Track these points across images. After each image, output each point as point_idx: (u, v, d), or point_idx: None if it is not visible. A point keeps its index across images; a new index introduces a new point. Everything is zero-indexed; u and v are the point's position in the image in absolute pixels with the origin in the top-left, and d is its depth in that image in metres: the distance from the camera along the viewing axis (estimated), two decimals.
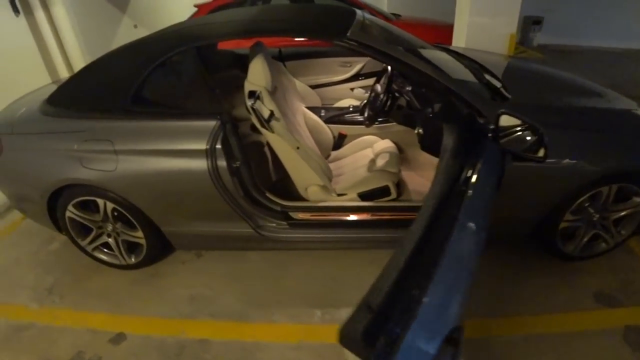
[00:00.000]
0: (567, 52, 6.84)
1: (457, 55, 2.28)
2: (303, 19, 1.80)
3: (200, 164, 1.68)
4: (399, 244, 0.93)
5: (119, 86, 1.78)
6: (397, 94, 1.97)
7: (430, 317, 0.75)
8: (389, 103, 1.92)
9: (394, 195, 2.00)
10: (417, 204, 1.96)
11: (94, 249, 2.10)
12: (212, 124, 1.68)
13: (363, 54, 1.61)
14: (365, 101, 2.50)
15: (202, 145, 1.67)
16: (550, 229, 1.89)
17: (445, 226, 0.97)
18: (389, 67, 1.97)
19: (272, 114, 1.73)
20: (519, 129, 1.50)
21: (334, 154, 2.41)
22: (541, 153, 1.43)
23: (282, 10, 1.89)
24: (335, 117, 2.49)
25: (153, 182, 1.76)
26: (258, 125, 1.78)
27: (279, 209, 1.90)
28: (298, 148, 1.81)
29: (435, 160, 2.39)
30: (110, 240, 2.05)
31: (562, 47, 7.09)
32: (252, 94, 1.72)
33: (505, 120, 1.48)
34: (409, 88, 2.02)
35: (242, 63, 2.93)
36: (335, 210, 1.91)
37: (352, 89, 3.07)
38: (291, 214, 1.91)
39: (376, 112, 2.02)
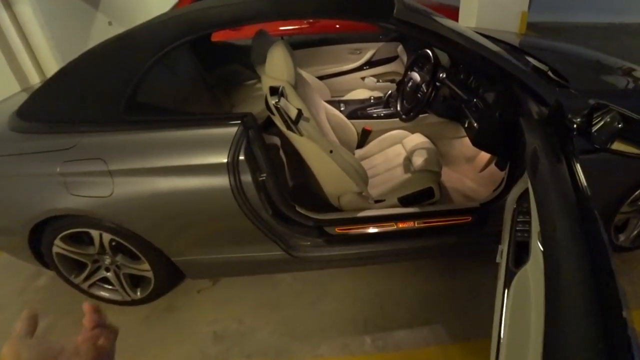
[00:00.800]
0: (557, 30, 6.77)
1: (486, 37, 2.05)
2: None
3: (221, 180, 1.38)
4: (552, 271, 0.72)
5: (109, 90, 1.44)
6: (438, 83, 1.71)
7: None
8: (433, 94, 1.67)
9: (437, 197, 1.77)
10: (464, 207, 1.73)
11: (91, 285, 1.79)
12: (233, 130, 1.38)
13: (408, 36, 1.36)
14: (390, 92, 2.24)
15: (222, 158, 1.37)
16: (606, 221, 1.80)
17: (594, 239, 0.78)
18: (430, 53, 1.71)
19: (300, 113, 1.45)
20: (600, 120, 1.29)
21: (358, 152, 2.14)
22: None
23: None
24: (357, 111, 2.22)
25: (161, 206, 1.45)
26: (282, 128, 1.50)
27: (311, 224, 1.62)
28: (331, 152, 1.54)
29: (469, 153, 2.17)
30: (110, 274, 1.74)
31: (551, 24, 7.04)
32: (275, 91, 1.42)
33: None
34: (443, 75, 1.78)
35: (241, 56, 2.62)
36: (377, 221, 1.65)
37: (362, 78, 2.81)
38: (326, 228, 1.64)
39: (419, 105, 1.76)
